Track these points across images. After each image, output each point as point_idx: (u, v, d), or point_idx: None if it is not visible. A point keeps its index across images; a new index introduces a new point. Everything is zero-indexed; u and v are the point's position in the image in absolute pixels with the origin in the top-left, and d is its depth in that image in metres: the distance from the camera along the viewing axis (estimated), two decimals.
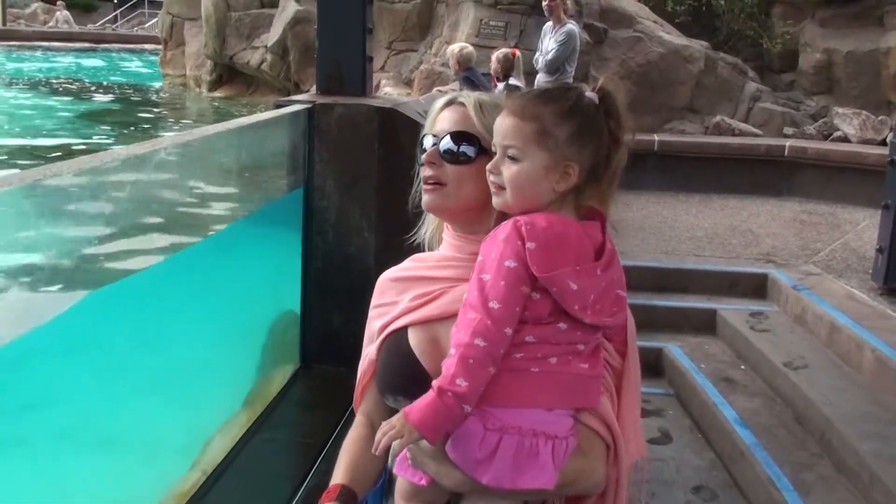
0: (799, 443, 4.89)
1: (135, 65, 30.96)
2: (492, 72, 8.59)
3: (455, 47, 8.85)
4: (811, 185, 10.11)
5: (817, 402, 5.00)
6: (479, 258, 1.70)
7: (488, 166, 1.74)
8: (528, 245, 1.63)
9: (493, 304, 1.62)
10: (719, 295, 6.95)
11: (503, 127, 1.73)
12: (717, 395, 5.43)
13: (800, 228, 8.65)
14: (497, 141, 1.74)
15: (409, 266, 1.95)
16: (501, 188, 1.72)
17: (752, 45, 12.68)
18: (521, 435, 1.66)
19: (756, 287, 7.01)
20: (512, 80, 8.39)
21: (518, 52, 8.90)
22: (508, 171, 1.71)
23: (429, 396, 1.62)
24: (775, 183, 10.24)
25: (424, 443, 1.65)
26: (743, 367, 5.99)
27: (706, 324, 6.63)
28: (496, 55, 8.73)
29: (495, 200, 1.74)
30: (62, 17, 38.52)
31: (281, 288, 4.44)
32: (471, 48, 8.77)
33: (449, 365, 1.63)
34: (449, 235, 1.92)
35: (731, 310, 6.65)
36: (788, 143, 10.57)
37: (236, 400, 3.95)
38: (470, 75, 8.42)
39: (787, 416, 5.20)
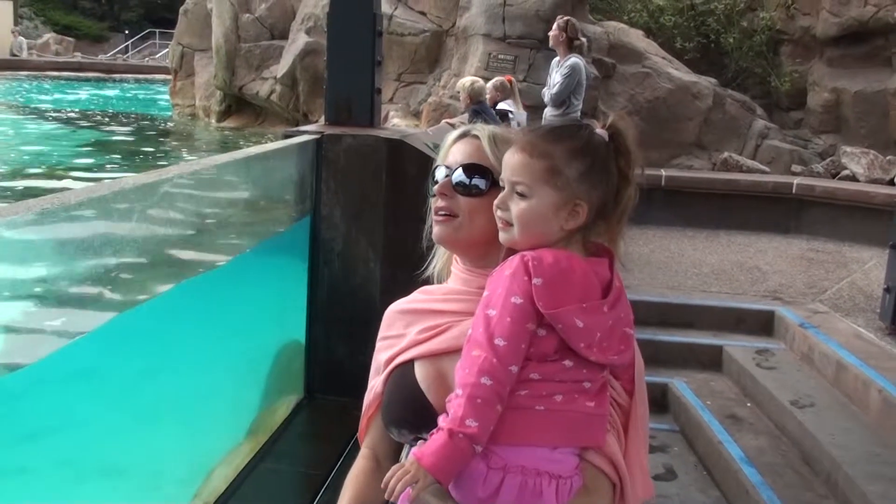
0: (805, 483, 4.85)
1: (144, 95, 31.13)
2: (488, 100, 8.63)
3: (466, 81, 8.88)
4: (819, 223, 10.09)
5: (824, 442, 4.96)
6: (486, 293, 1.69)
7: (496, 201, 1.74)
8: (535, 281, 1.62)
9: (499, 342, 1.61)
10: (725, 331, 6.92)
11: (512, 163, 1.72)
12: (722, 433, 5.39)
13: (807, 266, 8.62)
14: (506, 176, 1.73)
15: (416, 298, 1.94)
16: (509, 224, 1.72)
17: (760, 83, 12.72)
18: (524, 474, 1.64)
19: (763, 324, 6.98)
20: (501, 106, 8.48)
21: (513, 79, 8.99)
22: (517, 207, 1.70)
23: (440, 439, 1.61)
24: (783, 220, 10.23)
25: None
26: (749, 404, 5.95)
27: (712, 360, 6.60)
28: (492, 83, 8.83)
29: (502, 236, 1.74)
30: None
31: (286, 317, 4.44)
32: (482, 82, 8.81)
33: (457, 406, 1.61)
34: (457, 269, 1.92)
35: (738, 346, 6.62)
36: (796, 180, 10.57)
37: (240, 430, 3.94)
38: (480, 109, 8.44)
39: (794, 455, 5.16)
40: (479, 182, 1.85)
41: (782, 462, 5.08)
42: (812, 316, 6.81)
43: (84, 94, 30.81)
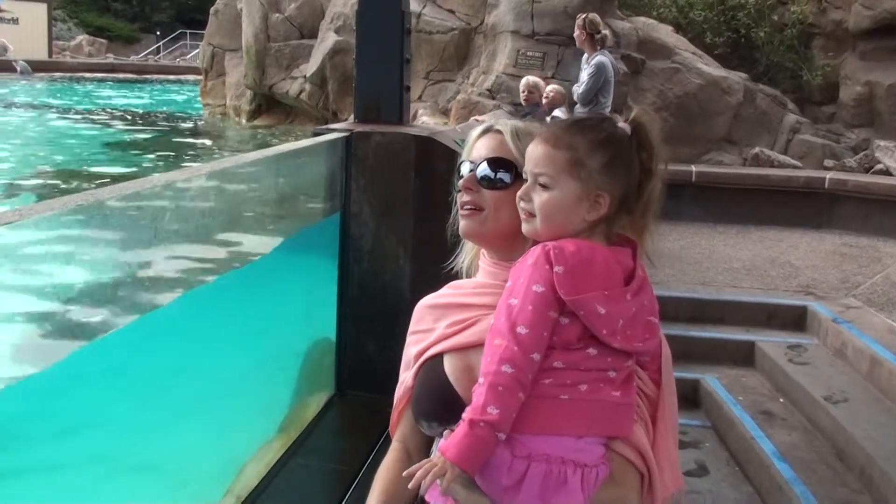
0: (839, 478, 4.81)
1: (176, 95, 31.36)
2: (548, 103, 8.59)
3: (539, 81, 8.90)
4: (852, 217, 10.00)
5: (858, 437, 4.92)
6: (508, 283, 1.71)
7: (519, 193, 1.76)
8: (556, 269, 1.64)
9: (521, 329, 1.63)
10: (757, 327, 6.89)
11: (535, 154, 1.75)
12: (755, 428, 5.36)
13: (840, 261, 8.55)
14: (529, 168, 1.75)
15: (445, 293, 1.96)
16: (532, 215, 1.74)
17: (791, 78, 12.60)
18: (549, 463, 1.65)
19: (795, 319, 6.93)
20: (557, 112, 8.38)
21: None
22: (539, 198, 1.73)
23: (462, 430, 1.63)
24: (815, 215, 10.14)
25: None
26: (781, 400, 5.91)
27: (744, 356, 6.56)
28: (556, 87, 8.78)
29: (525, 227, 1.76)
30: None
31: (316, 315, 4.46)
32: (542, 82, 8.83)
33: (479, 394, 1.63)
34: (485, 262, 1.93)
35: (770, 342, 6.57)
36: (828, 175, 10.47)
37: (271, 426, 3.96)
38: (535, 111, 8.45)
39: (827, 451, 5.12)
40: (503, 175, 1.87)
41: (816, 457, 5.04)
42: (845, 311, 6.76)
43: (115, 94, 31.08)
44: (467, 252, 2.03)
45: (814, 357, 6.29)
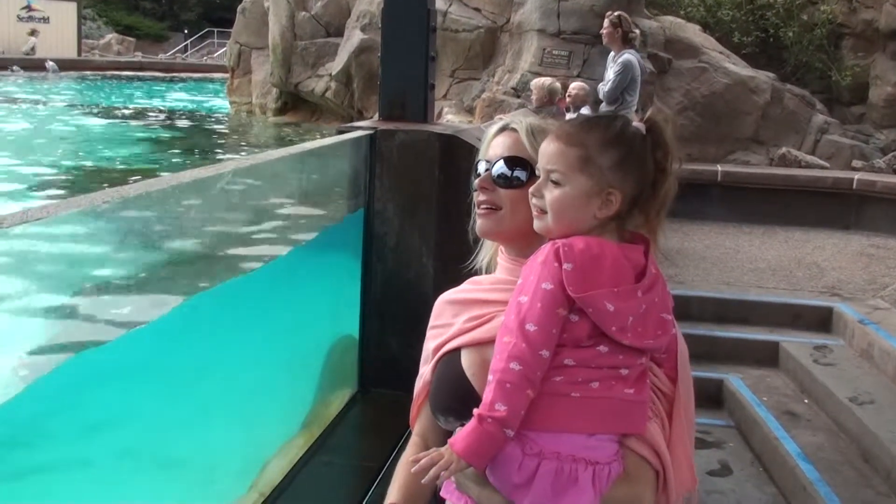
0: (865, 480, 4.78)
1: (203, 93, 31.53)
2: (572, 102, 8.54)
3: (546, 80, 8.80)
4: (880, 218, 9.91)
5: (884, 439, 4.88)
6: (519, 281, 1.72)
7: (531, 189, 1.77)
8: (565, 266, 1.65)
9: (530, 327, 1.64)
10: (782, 327, 6.84)
11: (548, 151, 1.76)
12: (779, 429, 5.33)
13: (867, 262, 8.48)
14: (541, 165, 1.76)
15: (465, 288, 1.97)
16: (543, 212, 1.75)
17: (820, 78, 12.50)
18: (560, 460, 1.66)
19: (820, 320, 6.88)
20: (583, 111, 8.33)
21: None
22: (551, 194, 1.73)
23: (471, 424, 1.64)
24: (842, 216, 10.07)
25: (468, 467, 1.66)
26: (806, 400, 5.87)
27: (768, 356, 6.52)
28: (580, 84, 8.71)
29: (536, 224, 1.77)
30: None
31: (340, 312, 4.48)
32: (558, 84, 8.77)
33: (487, 391, 1.64)
34: (503, 259, 1.94)
35: (795, 342, 6.53)
36: (857, 175, 10.39)
37: (294, 423, 3.98)
38: (554, 111, 8.41)
39: (853, 453, 5.08)
40: (519, 174, 1.88)
41: (841, 459, 5.01)
42: (872, 312, 6.70)
43: (144, 92, 31.31)
44: (487, 249, 2.04)
45: (839, 358, 6.24)
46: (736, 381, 6.14)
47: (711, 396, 5.95)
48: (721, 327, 6.77)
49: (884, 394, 5.58)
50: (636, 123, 1.76)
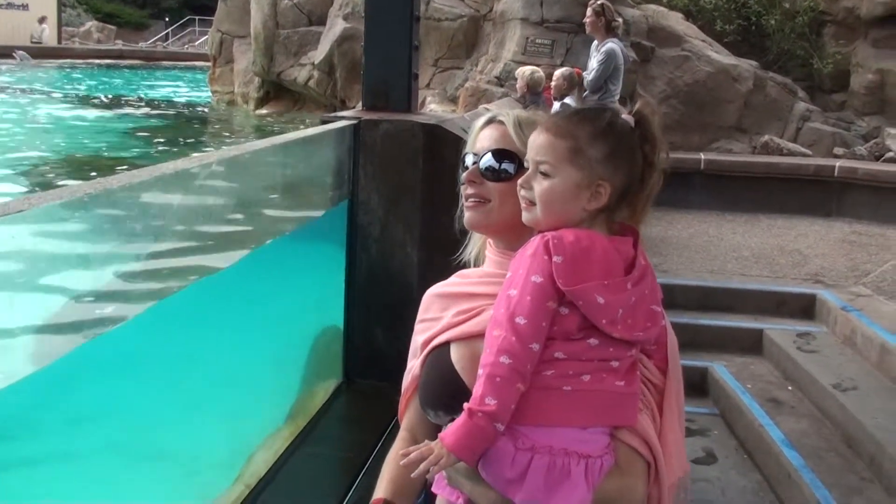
0: (849, 466, 4.81)
1: (184, 82, 31.33)
2: (556, 91, 8.50)
3: (526, 70, 8.79)
4: (861, 205, 9.97)
5: (868, 425, 4.91)
6: (508, 274, 1.71)
7: (520, 181, 1.77)
8: (555, 259, 1.64)
9: (519, 320, 1.63)
10: (766, 315, 6.87)
11: (537, 143, 1.75)
12: (763, 416, 5.35)
13: (849, 249, 8.52)
14: (530, 156, 1.76)
15: (453, 282, 1.96)
16: (532, 203, 1.74)
17: (802, 65, 12.53)
18: (552, 454, 1.65)
19: (804, 307, 6.92)
20: (567, 100, 8.29)
21: (582, 73, 8.72)
22: (539, 186, 1.73)
23: (461, 419, 1.63)
24: (824, 203, 10.12)
25: (460, 463, 1.65)
26: (790, 387, 5.90)
27: (752, 344, 6.55)
28: (562, 72, 8.62)
29: (525, 216, 1.76)
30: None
31: (324, 302, 4.46)
32: (541, 73, 8.71)
33: (478, 385, 1.64)
34: (491, 252, 1.94)
35: (778, 330, 6.56)
36: (838, 163, 10.44)
37: (279, 414, 3.97)
38: (536, 101, 8.39)
39: (836, 439, 5.12)
40: (507, 167, 1.88)
41: (825, 445, 5.04)
42: (855, 299, 6.74)
43: (124, 81, 31.08)
44: (475, 242, 2.03)
45: (823, 345, 6.27)
46: (720, 368, 6.16)
47: (696, 384, 5.97)
48: (705, 315, 6.79)
49: (867, 380, 5.61)
50: (625, 116, 1.75)
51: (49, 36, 39.09)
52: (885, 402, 5.28)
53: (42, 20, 39.72)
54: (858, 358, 6.00)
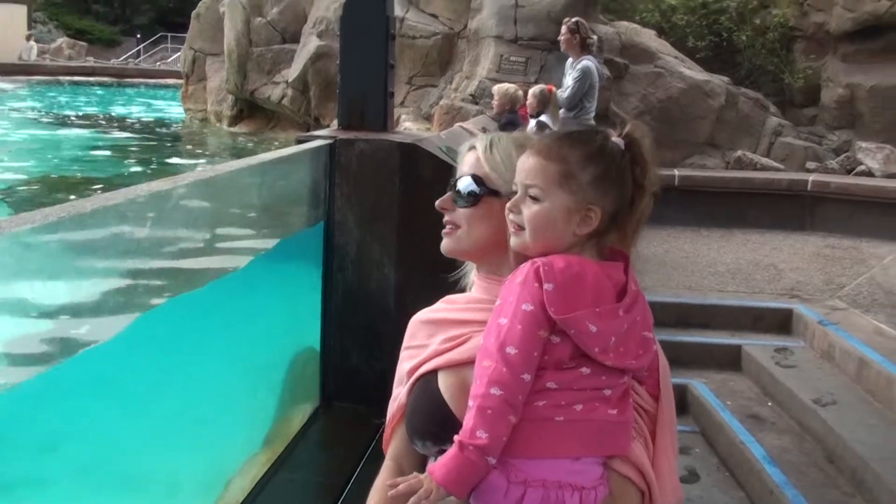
0: (830, 481, 4.80)
1: (156, 99, 31.18)
2: (530, 109, 8.49)
3: (508, 87, 8.77)
4: (835, 219, 10.02)
5: (848, 440, 4.90)
6: (498, 302, 1.67)
7: (508, 204, 1.72)
8: (546, 286, 1.60)
9: (510, 350, 1.59)
10: (743, 330, 6.87)
11: (526, 166, 1.71)
12: (744, 433, 5.33)
13: (824, 263, 8.56)
14: (519, 180, 1.72)
15: (439, 308, 1.92)
16: (521, 228, 1.70)
17: (773, 80, 12.63)
18: (546, 488, 1.62)
19: (781, 322, 6.92)
20: (543, 118, 8.29)
21: (554, 90, 8.72)
22: (529, 210, 1.69)
23: (451, 452, 1.59)
24: (798, 217, 10.17)
25: (450, 497, 1.61)
26: (770, 403, 5.89)
27: (731, 360, 6.54)
28: (533, 91, 8.60)
29: (513, 241, 1.72)
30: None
31: (301, 324, 4.41)
32: (520, 91, 8.72)
33: (468, 418, 1.60)
34: (477, 278, 1.90)
35: (756, 345, 6.56)
36: (811, 177, 10.51)
37: (257, 439, 3.91)
38: (513, 119, 8.39)
39: (818, 454, 5.10)
40: (473, 190, 1.84)
41: (806, 461, 5.03)
42: (831, 313, 6.75)
43: (95, 98, 30.89)
44: (471, 269, 2.00)
45: (801, 360, 6.27)
46: (700, 385, 6.14)
47: (675, 402, 5.93)
48: (683, 332, 6.77)
49: (846, 394, 5.61)
50: (615, 139, 1.72)
51: (35, 54, 38.70)
52: (864, 415, 5.28)
53: (29, 37, 39.41)
54: (837, 372, 6.00)
